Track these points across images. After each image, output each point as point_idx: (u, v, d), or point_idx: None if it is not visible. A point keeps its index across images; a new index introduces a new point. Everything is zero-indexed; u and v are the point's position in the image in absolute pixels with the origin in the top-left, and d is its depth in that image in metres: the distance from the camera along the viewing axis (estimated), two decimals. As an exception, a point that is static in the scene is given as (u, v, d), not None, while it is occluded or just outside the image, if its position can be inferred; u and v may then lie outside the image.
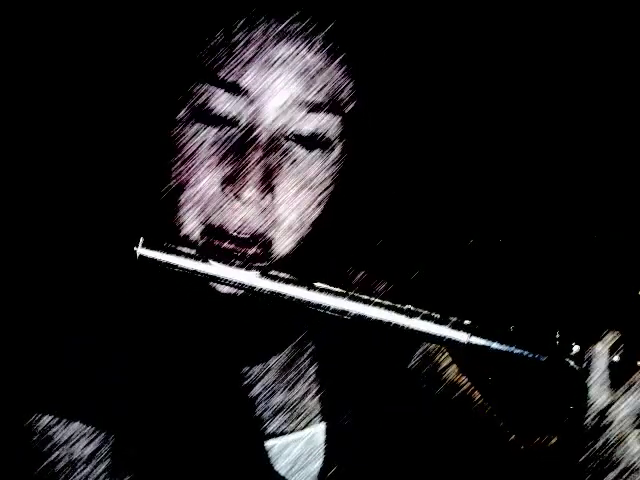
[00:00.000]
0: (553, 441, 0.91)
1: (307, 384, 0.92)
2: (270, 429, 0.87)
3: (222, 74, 0.74)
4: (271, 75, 0.74)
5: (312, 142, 0.77)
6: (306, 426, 0.89)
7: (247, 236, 0.76)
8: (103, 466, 0.75)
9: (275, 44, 0.74)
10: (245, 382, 0.86)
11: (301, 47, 0.75)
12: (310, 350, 0.93)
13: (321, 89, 0.76)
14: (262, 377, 0.88)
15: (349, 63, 0.79)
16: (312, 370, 0.93)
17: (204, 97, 0.75)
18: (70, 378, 0.76)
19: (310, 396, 0.91)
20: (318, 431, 0.90)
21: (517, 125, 2.14)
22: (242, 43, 0.74)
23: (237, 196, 0.74)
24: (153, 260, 0.74)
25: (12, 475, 0.74)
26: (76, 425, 0.75)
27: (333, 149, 0.79)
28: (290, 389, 0.90)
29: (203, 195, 0.75)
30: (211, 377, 0.83)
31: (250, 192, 0.73)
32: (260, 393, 0.87)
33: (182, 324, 0.82)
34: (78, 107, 1.05)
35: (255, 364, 0.88)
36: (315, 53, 0.76)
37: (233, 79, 0.74)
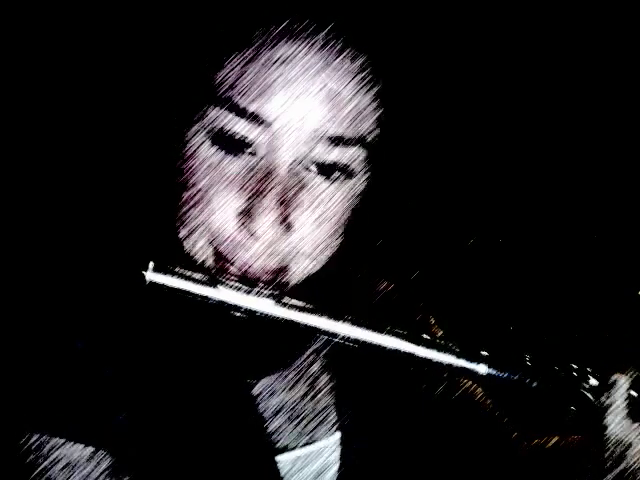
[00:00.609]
0: (555, 440, 0.91)
1: (318, 397, 0.91)
2: (280, 443, 0.86)
3: (241, 101, 0.70)
4: (293, 104, 0.70)
5: (333, 172, 0.74)
6: (317, 440, 0.88)
7: (261, 266, 0.73)
8: (103, 466, 0.74)
9: (300, 71, 0.70)
10: (255, 395, 0.85)
11: (328, 76, 0.70)
12: (322, 362, 0.92)
13: (346, 121, 0.72)
14: (272, 390, 0.87)
15: (377, 93, 0.74)
16: (324, 383, 0.92)
17: (222, 122, 0.71)
18: (72, 383, 0.75)
19: (321, 409, 0.90)
20: (330, 445, 0.89)
21: (517, 126, 2.13)
22: (263, 69, 0.69)
23: (252, 232, 0.71)
24: (163, 285, 0.73)
25: (12, 476, 0.74)
26: (76, 426, 0.74)
27: (353, 177, 0.76)
28: (301, 402, 0.89)
29: (217, 224, 0.73)
30: (220, 390, 0.82)
31: (265, 229, 0.70)
32: (270, 406, 0.86)
33: (191, 334, 0.81)
34: (93, 128, 1.03)
35: (265, 377, 0.87)
36: (342, 82, 0.71)
37: (252, 107, 0.70)
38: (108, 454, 0.74)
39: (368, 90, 0.73)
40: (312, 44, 0.70)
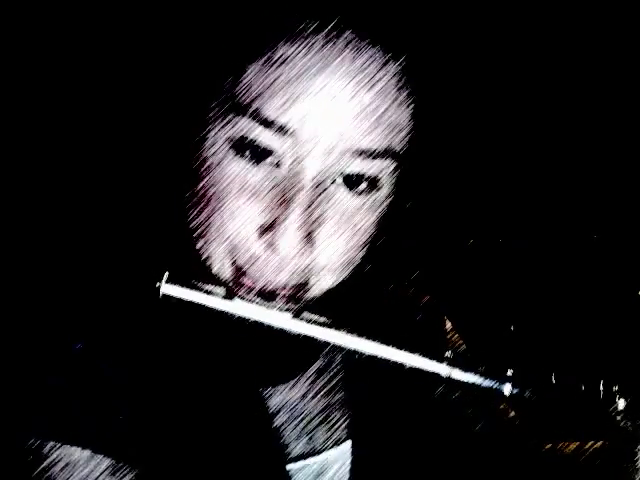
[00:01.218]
0: (574, 446, 0.90)
1: (329, 405, 0.89)
2: (290, 451, 0.85)
3: (266, 110, 0.66)
4: (320, 114, 0.65)
5: (360, 184, 0.70)
6: (328, 449, 0.87)
7: (282, 282, 0.71)
8: (103, 466, 0.73)
9: (328, 81, 0.65)
10: (265, 402, 0.84)
11: (357, 85, 0.66)
12: (333, 371, 0.91)
13: (376, 132, 0.67)
14: (283, 398, 0.86)
15: (410, 103, 0.70)
16: (335, 391, 0.90)
17: (245, 132, 0.67)
18: (73, 383, 0.74)
19: (332, 418, 0.89)
20: (340, 454, 0.88)
21: (517, 126, 2.13)
22: (290, 77, 0.65)
23: (274, 248, 0.67)
24: (177, 298, 0.72)
25: (11, 476, 0.73)
26: (76, 426, 0.73)
27: (381, 189, 0.72)
28: (312, 410, 0.88)
29: (237, 237, 0.70)
30: (229, 396, 0.81)
31: (289, 246, 0.67)
32: (280, 414, 0.85)
33: (203, 339, 0.80)
34: (114, 136, 1.01)
35: (275, 384, 0.86)
36: (372, 92, 0.66)
37: (278, 117, 0.66)
38: (108, 454, 0.73)
39: (400, 100, 0.69)
40: (342, 53, 0.65)
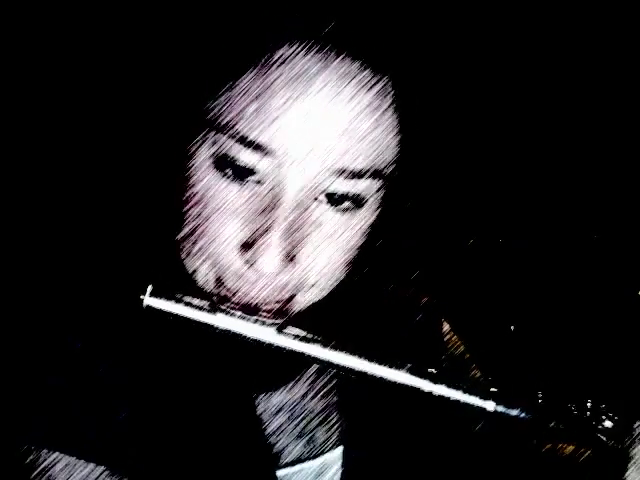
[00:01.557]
0: (572, 448, 0.89)
1: (322, 411, 0.89)
2: (283, 456, 0.85)
3: (246, 129, 0.65)
4: (302, 135, 0.65)
5: (343, 203, 0.69)
6: (320, 454, 0.87)
7: (263, 298, 0.70)
8: (103, 467, 0.73)
9: (309, 100, 0.64)
10: (258, 407, 0.84)
11: (339, 105, 0.65)
12: (325, 377, 0.91)
13: (359, 152, 0.66)
14: (275, 403, 0.86)
15: (394, 122, 0.69)
16: (327, 397, 0.90)
17: (226, 150, 0.67)
18: (72, 384, 0.74)
19: (325, 423, 0.89)
20: (332, 459, 0.88)
21: (517, 126, 2.12)
22: (270, 96, 0.64)
23: (254, 267, 0.67)
24: (161, 311, 0.71)
25: (12, 476, 0.73)
26: (76, 426, 0.73)
27: (365, 207, 0.71)
28: (304, 415, 0.88)
29: (219, 253, 0.69)
30: (223, 404, 0.81)
31: (269, 266, 0.66)
32: (273, 419, 0.85)
33: (192, 348, 0.80)
34: (96, 147, 1.01)
35: (268, 390, 0.86)
36: (359, 114, 0.65)
37: (257, 136, 0.65)
38: (108, 455, 0.74)
39: (383, 121, 0.68)
40: (322, 72, 0.64)
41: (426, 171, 0.78)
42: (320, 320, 0.74)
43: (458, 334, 1.04)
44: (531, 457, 0.94)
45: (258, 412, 0.84)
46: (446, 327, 1.04)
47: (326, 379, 0.90)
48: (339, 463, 0.88)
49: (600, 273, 2.22)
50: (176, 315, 0.72)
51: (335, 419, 0.90)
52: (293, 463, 0.85)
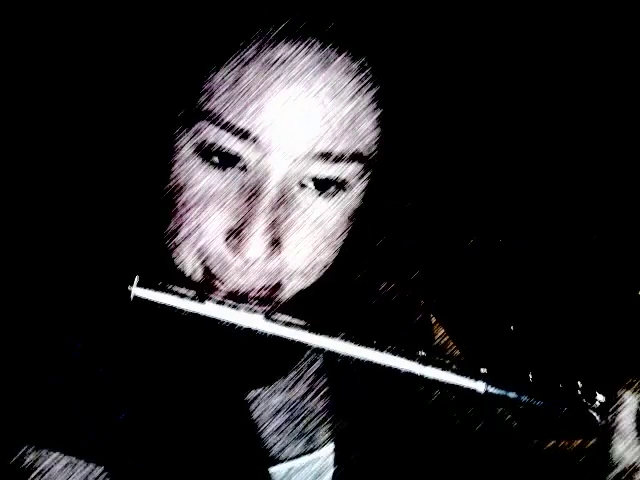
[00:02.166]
0: (575, 444, 0.89)
1: (313, 407, 0.89)
2: (275, 453, 0.84)
3: (229, 115, 0.66)
4: (285, 121, 0.65)
5: (327, 188, 0.70)
6: (312, 450, 0.87)
7: (251, 285, 0.71)
8: (103, 467, 0.73)
9: (291, 85, 0.65)
10: (250, 404, 0.84)
11: (320, 89, 0.65)
12: (316, 373, 0.91)
13: (341, 136, 0.67)
14: (267, 400, 0.86)
15: (375, 107, 0.69)
16: (318, 393, 0.90)
17: (210, 137, 0.67)
18: (71, 384, 0.74)
19: (316, 420, 0.88)
20: (324, 456, 0.87)
21: (517, 126, 2.12)
22: (252, 82, 0.65)
23: (241, 253, 0.67)
24: (149, 301, 0.71)
25: (12, 476, 0.72)
26: (76, 426, 0.73)
27: (349, 191, 0.71)
28: (295, 412, 0.87)
29: (205, 242, 0.70)
30: (214, 400, 0.81)
31: (255, 252, 0.66)
32: (265, 416, 0.85)
33: (183, 345, 0.79)
34: (79, 138, 1.01)
35: (259, 387, 0.85)
36: (338, 98, 0.66)
37: (240, 122, 0.66)
38: (108, 455, 0.73)
39: (365, 104, 0.68)
40: (304, 56, 0.65)
41: (410, 159, 0.78)
42: (309, 315, 0.74)
43: (452, 335, 1.03)
44: (531, 457, 0.94)
45: (247, 407, 0.83)
46: (441, 331, 1.04)
47: (314, 376, 0.90)
48: (329, 461, 0.87)
49: (600, 273, 2.21)
50: (164, 305, 0.71)
51: (323, 417, 0.89)
52: (282, 461, 0.84)
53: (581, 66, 2.08)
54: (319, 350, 0.70)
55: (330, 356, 0.70)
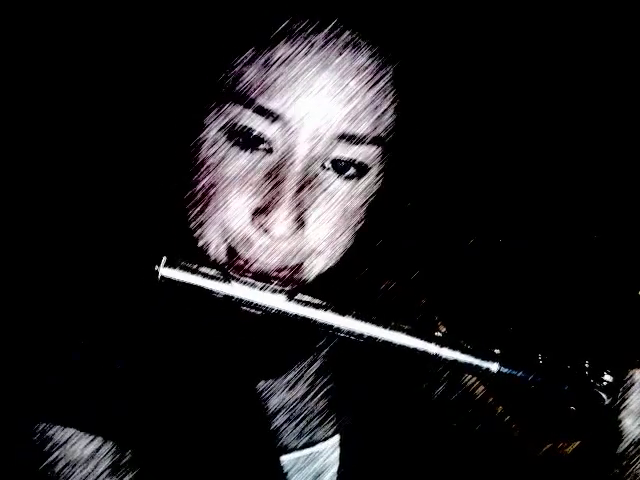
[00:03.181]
0: (572, 447, 0.91)
1: (318, 399, 0.91)
2: (281, 444, 0.86)
3: (257, 97, 0.69)
4: (310, 101, 0.68)
5: (348, 170, 0.73)
6: (317, 442, 0.89)
7: (275, 265, 0.73)
8: (106, 463, 0.74)
9: (317, 68, 0.68)
10: (257, 396, 0.86)
11: (345, 72, 0.68)
12: (322, 364, 0.92)
13: (364, 118, 0.70)
14: (275, 391, 0.87)
15: (395, 90, 0.73)
16: (324, 384, 0.92)
17: (237, 118, 0.70)
18: (72, 381, 0.75)
19: (321, 411, 0.90)
20: (329, 447, 0.89)
21: (517, 126, 2.13)
22: (279, 65, 0.68)
23: (267, 231, 0.70)
24: (175, 281, 0.73)
25: (12, 475, 0.73)
26: (76, 426, 0.74)
27: (369, 175, 0.74)
28: (301, 404, 0.89)
29: (231, 221, 0.72)
30: (223, 391, 0.82)
31: (281, 229, 0.69)
32: (271, 407, 0.87)
33: (198, 333, 0.81)
34: (107, 123, 1.03)
35: (268, 378, 0.87)
36: (362, 81, 0.69)
37: (268, 104, 0.69)
38: (111, 451, 0.75)
39: (386, 87, 0.71)
40: (329, 40, 0.68)
41: (425, 144, 0.81)
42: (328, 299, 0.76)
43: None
44: (531, 457, 0.95)
45: (254, 398, 0.85)
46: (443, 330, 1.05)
47: (322, 369, 0.92)
48: (334, 452, 0.89)
49: (600, 273, 2.22)
50: (189, 285, 0.74)
51: (330, 409, 0.91)
52: (288, 450, 0.86)
53: (581, 67, 2.09)
54: (339, 330, 0.72)
55: (348, 336, 0.72)
